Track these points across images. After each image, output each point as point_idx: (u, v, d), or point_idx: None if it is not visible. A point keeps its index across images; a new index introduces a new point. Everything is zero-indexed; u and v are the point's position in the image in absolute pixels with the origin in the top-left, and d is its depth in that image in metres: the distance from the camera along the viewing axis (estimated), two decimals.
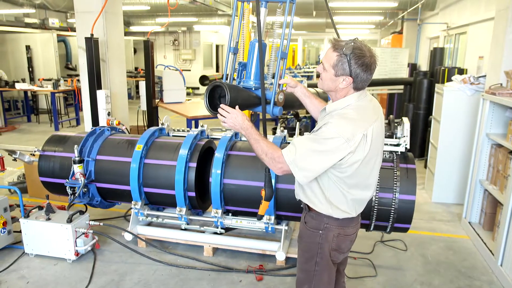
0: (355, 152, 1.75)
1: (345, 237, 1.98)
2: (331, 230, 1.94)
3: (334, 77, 1.83)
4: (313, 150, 1.77)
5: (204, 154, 3.55)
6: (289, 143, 3.60)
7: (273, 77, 2.22)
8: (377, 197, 2.97)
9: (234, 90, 2.04)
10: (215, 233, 3.53)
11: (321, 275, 2.00)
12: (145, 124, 6.61)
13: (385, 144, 3.18)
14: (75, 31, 5.49)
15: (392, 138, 3.24)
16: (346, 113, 1.81)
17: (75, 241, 3.36)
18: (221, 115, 1.97)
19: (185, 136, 3.57)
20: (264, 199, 2.14)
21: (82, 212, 3.50)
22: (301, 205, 2.10)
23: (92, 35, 4.82)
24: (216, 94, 2.09)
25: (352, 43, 1.78)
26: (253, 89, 2.21)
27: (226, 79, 2.32)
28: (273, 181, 3.07)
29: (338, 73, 1.82)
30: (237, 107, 1.99)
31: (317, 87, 4.76)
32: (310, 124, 7.63)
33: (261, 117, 2.15)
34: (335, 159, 1.76)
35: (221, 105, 1.97)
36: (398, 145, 3.18)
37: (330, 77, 1.85)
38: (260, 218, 2.36)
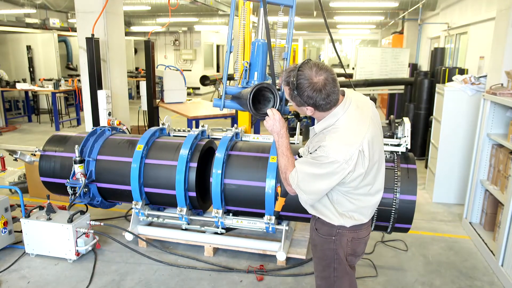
0: (355, 170, 1.74)
1: (359, 240, 1.97)
2: (344, 235, 1.94)
3: (298, 107, 1.81)
4: (313, 175, 1.77)
5: (204, 154, 3.55)
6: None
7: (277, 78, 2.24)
8: None
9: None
10: (216, 233, 3.53)
11: (342, 281, 2.00)
12: (146, 124, 6.61)
13: (386, 144, 3.18)
14: (75, 31, 5.49)
15: (393, 138, 3.24)
16: (337, 130, 1.77)
17: (76, 241, 3.36)
18: (267, 115, 2.01)
19: (185, 136, 3.57)
20: (280, 195, 2.17)
21: (82, 212, 3.50)
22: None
23: (93, 35, 4.82)
24: (259, 94, 2.16)
25: (297, 72, 1.70)
26: None
27: (228, 79, 2.34)
28: None
29: (298, 105, 1.80)
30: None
31: None
32: (310, 124, 7.61)
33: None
34: (336, 180, 1.76)
35: (272, 108, 2.03)
36: (398, 145, 3.18)
37: (295, 107, 1.83)
38: (276, 214, 2.36)
